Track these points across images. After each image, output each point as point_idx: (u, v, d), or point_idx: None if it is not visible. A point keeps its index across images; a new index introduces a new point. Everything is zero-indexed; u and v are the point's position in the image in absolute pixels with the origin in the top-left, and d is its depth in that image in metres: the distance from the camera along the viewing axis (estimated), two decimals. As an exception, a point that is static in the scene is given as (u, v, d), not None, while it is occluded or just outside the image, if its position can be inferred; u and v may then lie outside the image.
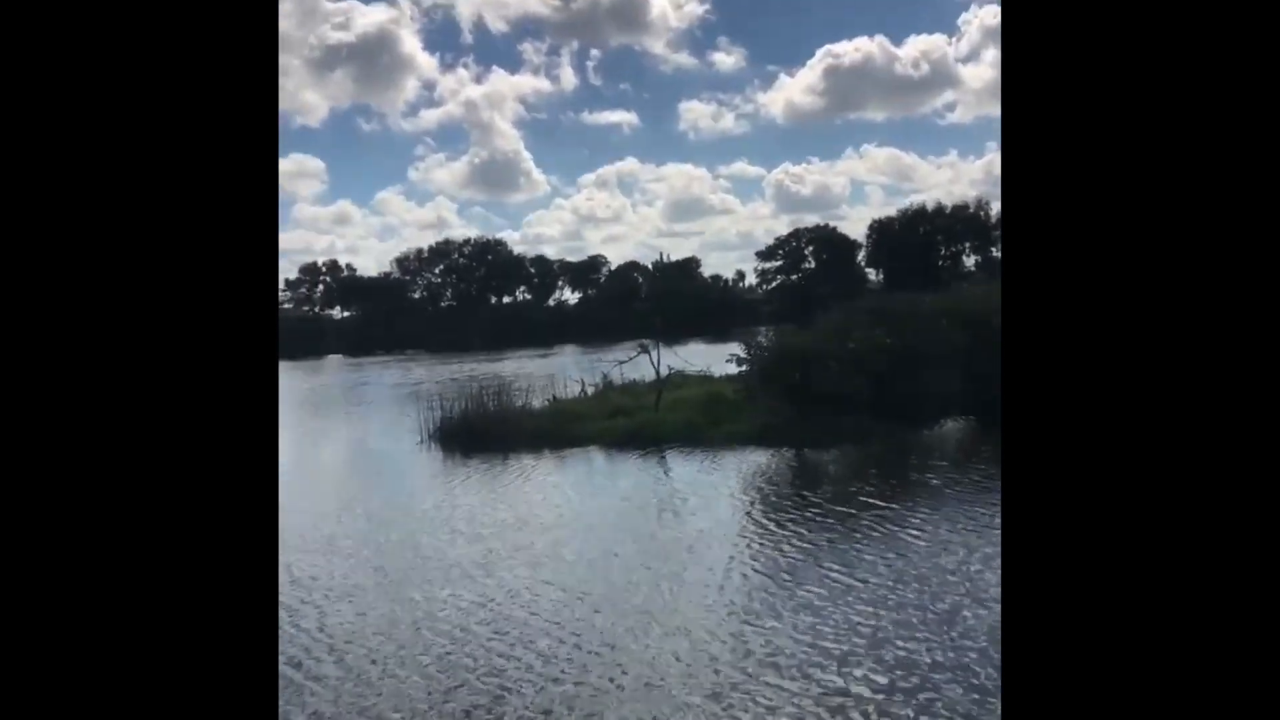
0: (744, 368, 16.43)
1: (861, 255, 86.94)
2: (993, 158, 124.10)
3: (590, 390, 21.48)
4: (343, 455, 20.25)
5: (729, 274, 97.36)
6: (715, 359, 22.45)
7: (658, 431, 16.37)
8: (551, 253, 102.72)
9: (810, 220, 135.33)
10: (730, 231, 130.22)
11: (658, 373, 19.13)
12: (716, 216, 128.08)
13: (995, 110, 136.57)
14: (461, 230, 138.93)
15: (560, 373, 31.34)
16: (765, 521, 10.57)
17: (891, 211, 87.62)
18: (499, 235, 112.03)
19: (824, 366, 15.05)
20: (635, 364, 20.81)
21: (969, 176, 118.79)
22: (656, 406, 17.75)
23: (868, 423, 15.03)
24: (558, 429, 17.49)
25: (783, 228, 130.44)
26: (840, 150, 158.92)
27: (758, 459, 14.54)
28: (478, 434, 17.99)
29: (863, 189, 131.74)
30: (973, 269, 78.63)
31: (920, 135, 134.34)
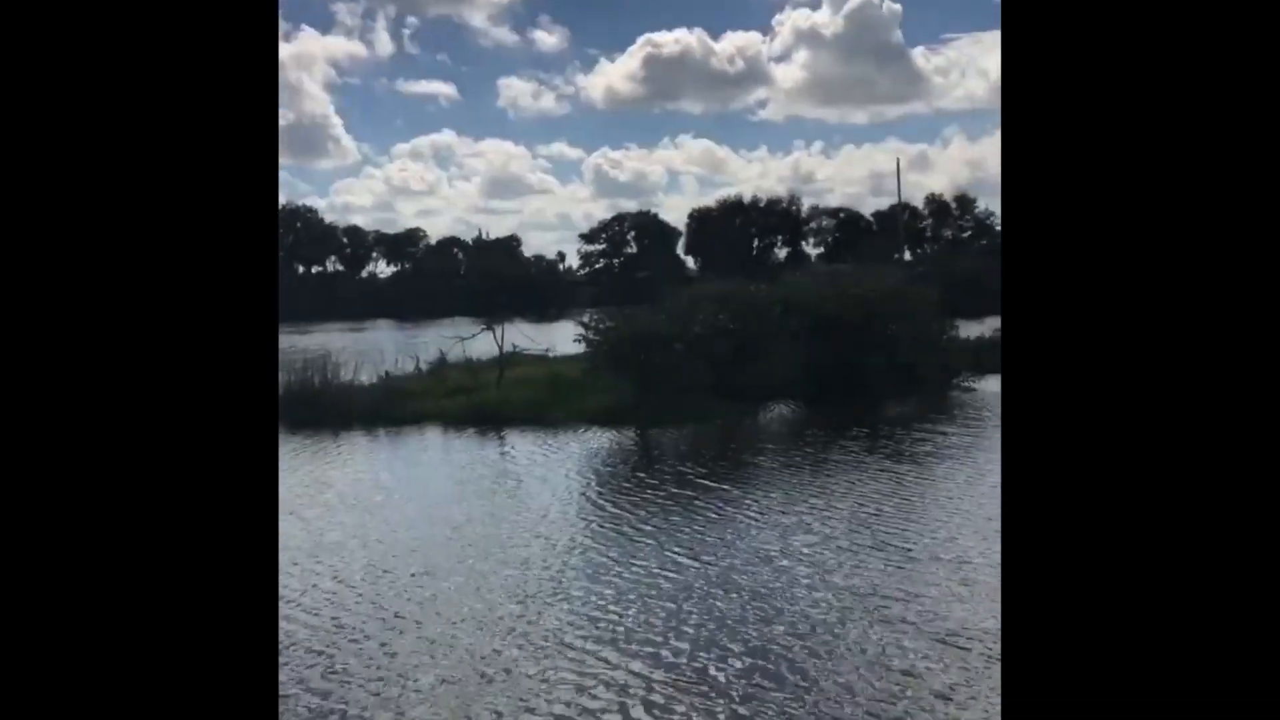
0: (588, 348, 16.38)
1: (680, 242, 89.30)
2: (800, 155, 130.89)
3: (424, 367, 20.70)
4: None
5: (547, 254, 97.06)
6: (543, 339, 22.22)
7: (499, 410, 16.03)
8: (361, 223, 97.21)
9: (628, 205, 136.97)
10: (548, 212, 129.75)
11: (500, 350, 18.72)
12: (535, 196, 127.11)
13: (804, 110, 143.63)
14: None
15: (377, 348, 29.85)
16: (604, 502, 10.57)
17: (707, 201, 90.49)
18: (305, 201, 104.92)
19: (669, 349, 15.28)
20: (465, 343, 20.24)
21: (777, 173, 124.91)
22: (498, 384, 17.38)
23: (708, 403, 15.44)
24: (392, 406, 16.73)
25: (601, 211, 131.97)
26: (658, 139, 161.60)
27: (602, 439, 14.57)
28: (303, 409, 16.88)
29: (678, 178, 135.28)
30: (783, 260, 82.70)
31: (733, 129, 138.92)
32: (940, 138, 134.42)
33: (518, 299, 78.43)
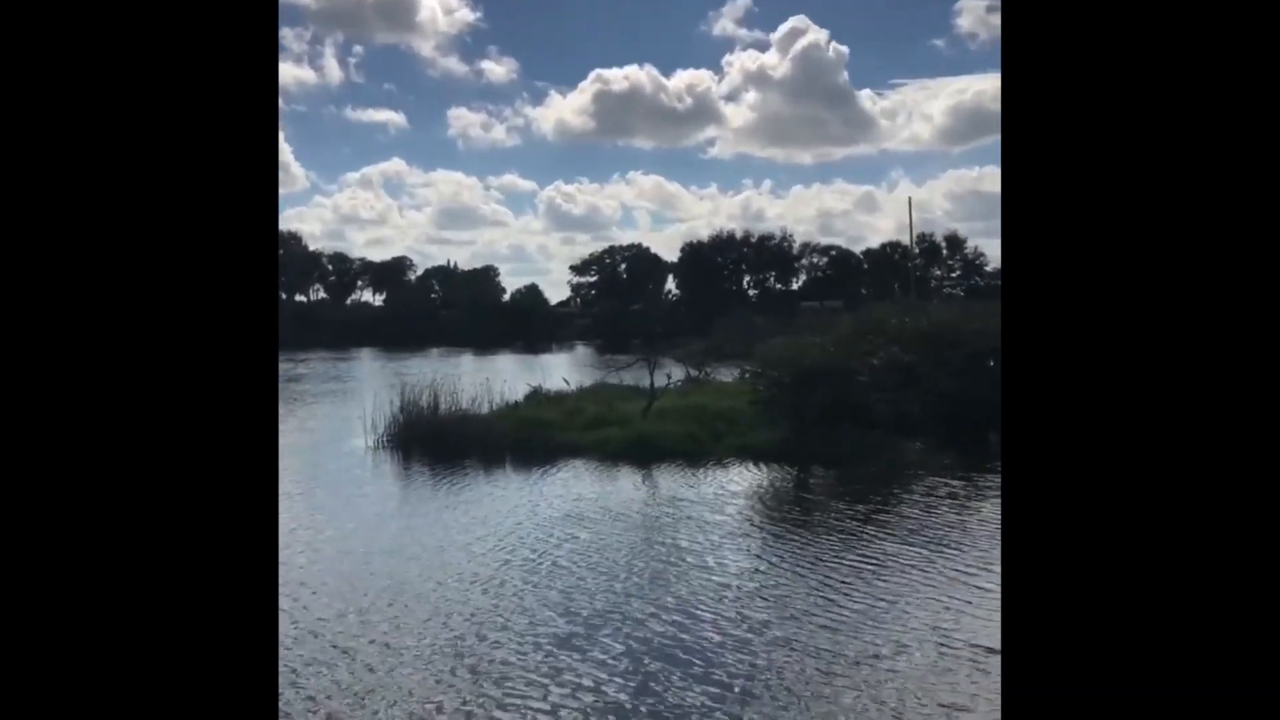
0: (754, 379, 15.55)
1: (671, 276, 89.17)
2: (750, 194, 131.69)
3: (535, 397, 19.58)
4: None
5: (508, 287, 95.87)
6: (535, 370, 20.62)
7: (657, 444, 15.00)
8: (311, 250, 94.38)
9: (582, 239, 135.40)
10: (502, 244, 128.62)
11: (652, 381, 17.74)
12: (488, 227, 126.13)
13: (752, 149, 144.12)
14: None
15: (368, 376, 28.19)
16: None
17: (660, 236, 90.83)
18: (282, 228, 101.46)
19: (848, 381, 14.53)
20: (526, 370, 19.14)
21: (728, 210, 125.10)
22: (645, 416, 16.40)
23: (879, 438, 14.67)
24: (534, 438, 15.63)
25: (555, 244, 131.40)
26: (609, 174, 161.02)
27: (787, 477, 13.65)
28: (434, 440, 15.77)
29: (632, 213, 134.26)
30: (775, 295, 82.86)
31: (684, 166, 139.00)
32: (886, 180, 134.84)
33: (501, 330, 77.07)
